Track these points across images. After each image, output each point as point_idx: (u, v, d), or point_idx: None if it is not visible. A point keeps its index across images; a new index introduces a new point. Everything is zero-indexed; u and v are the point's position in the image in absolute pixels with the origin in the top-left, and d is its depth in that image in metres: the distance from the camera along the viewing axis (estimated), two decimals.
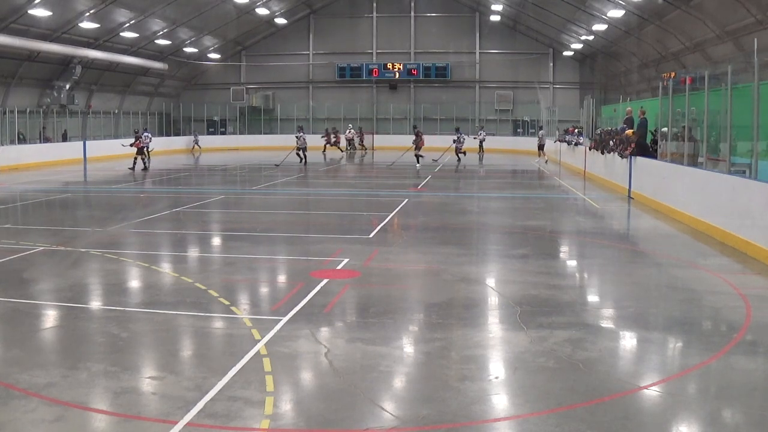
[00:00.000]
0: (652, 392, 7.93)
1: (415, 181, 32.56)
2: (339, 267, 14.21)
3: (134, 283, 13.98)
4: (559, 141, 45.83)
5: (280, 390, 7.89)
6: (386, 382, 8.31)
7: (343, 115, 63.80)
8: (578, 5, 45.68)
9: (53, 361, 9.21)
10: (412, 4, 63.37)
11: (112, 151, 47.87)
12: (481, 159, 47.50)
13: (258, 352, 9.04)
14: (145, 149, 40.97)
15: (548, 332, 9.85)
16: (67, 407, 7.53)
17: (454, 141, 44.53)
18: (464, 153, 45.51)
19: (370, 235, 17.92)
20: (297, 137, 45.69)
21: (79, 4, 43.69)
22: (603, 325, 10.53)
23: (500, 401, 7.78)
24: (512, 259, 15.36)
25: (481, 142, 50.40)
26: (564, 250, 17.52)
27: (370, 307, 11.40)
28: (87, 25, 46.32)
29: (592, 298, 12.68)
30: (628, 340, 9.96)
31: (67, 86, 50.93)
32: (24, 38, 42.45)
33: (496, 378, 8.48)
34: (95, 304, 12.34)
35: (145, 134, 42.68)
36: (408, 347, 9.57)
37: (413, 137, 44.54)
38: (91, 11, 44.77)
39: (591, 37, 52.25)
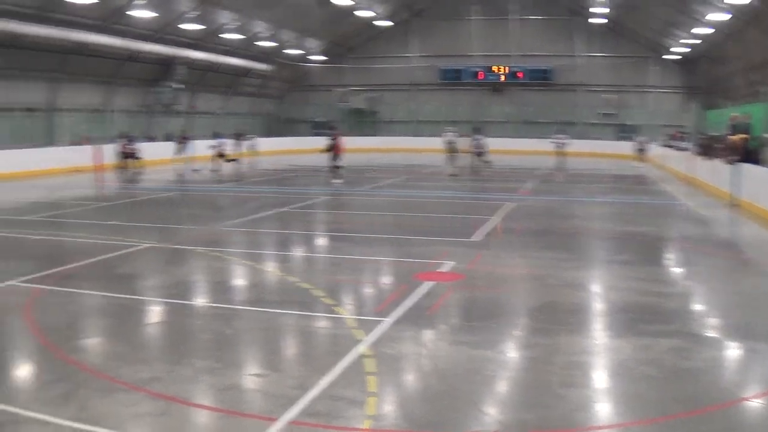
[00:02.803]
0: (756, 404, 7.77)
1: (520, 184, 32.39)
2: (443, 269, 14.17)
3: (239, 281, 14.22)
4: (663, 146, 45.10)
5: (383, 391, 7.94)
6: (489, 385, 8.28)
7: (445, 118, 63.45)
8: (680, 8, 45.02)
9: (158, 357, 9.42)
10: (514, 7, 62.66)
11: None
12: (562, 164, 46.42)
13: (361, 353, 9.09)
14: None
15: (652, 340, 9.70)
16: (170, 402, 7.69)
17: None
18: (482, 154, 40.89)
19: (475, 238, 17.85)
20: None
21: (182, 5, 44.58)
22: (707, 334, 10.30)
23: (603, 409, 7.72)
24: (616, 265, 15.16)
25: (560, 146, 49.14)
26: (668, 257, 17.17)
27: (473, 311, 11.38)
28: (190, 26, 47.11)
29: (697, 306, 12.38)
30: (733, 351, 9.71)
31: (171, 87, 51.79)
32: (126, 39, 43.44)
33: (599, 385, 8.43)
34: (200, 301, 12.59)
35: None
36: (512, 352, 9.52)
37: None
38: (195, 12, 45.56)
39: (694, 41, 51.28)
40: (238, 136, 48.49)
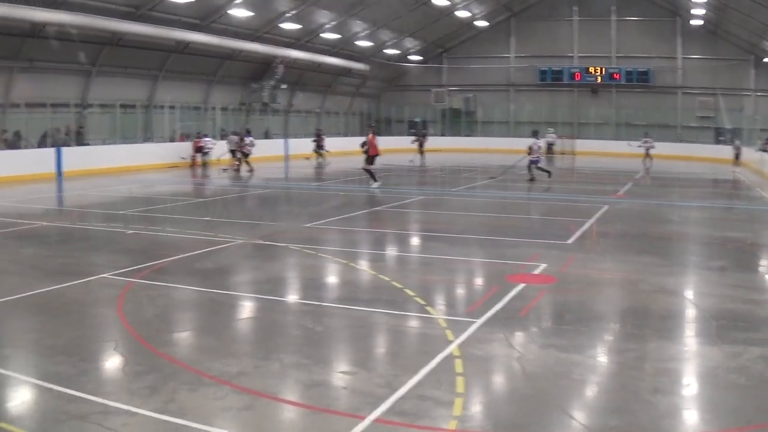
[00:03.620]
0: None
1: (615, 187, 32.04)
2: (535, 272, 14.01)
3: (331, 278, 14.23)
4: (762, 150, 44.21)
5: (471, 392, 7.85)
6: (577, 390, 8.15)
7: (545, 119, 63.10)
8: None
9: (246, 351, 9.44)
10: (613, 8, 61.85)
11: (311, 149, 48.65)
12: (648, 169, 45.57)
13: (450, 353, 9.00)
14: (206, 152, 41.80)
15: (742, 348, 9.40)
16: (256, 396, 7.72)
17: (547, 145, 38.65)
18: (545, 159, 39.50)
19: (568, 241, 17.60)
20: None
21: (280, 5, 44.88)
22: None
23: (690, 416, 7.55)
24: (710, 271, 14.76)
25: (647, 149, 48.22)
26: (764, 264, 16.72)
27: (565, 314, 11.21)
28: (288, 25, 47.55)
29: None
30: None
31: (270, 85, 52.24)
32: (225, 37, 43.94)
33: (687, 393, 8.21)
34: (291, 297, 12.66)
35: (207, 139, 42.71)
36: (601, 356, 9.36)
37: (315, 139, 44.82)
38: (293, 12, 45.89)
39: None
40: (318, 135, 48.92)
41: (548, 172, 34.45)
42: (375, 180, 29.85)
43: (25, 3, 31.21)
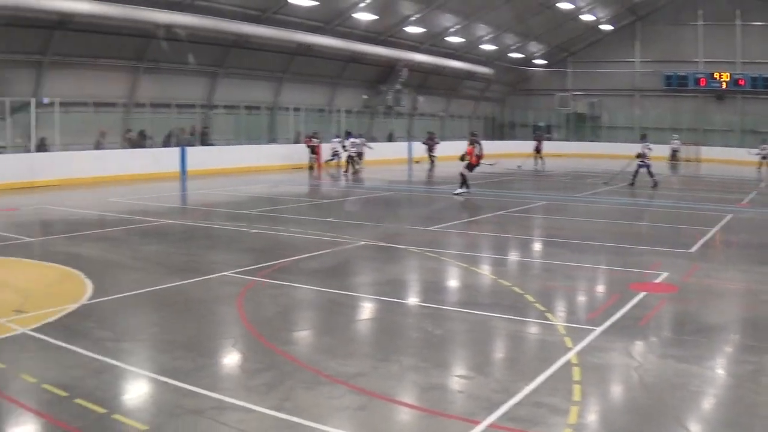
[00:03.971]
0: None
1: (739, 196, 31.35)
2: (657, 280, 13.68)
3: (452, 282, 14.19)
4: None
5: (587, 400, 7.68)
6: (694, 401, 7.91)
7: (670, 125, 62.08)
8: None
9: (365, 352, 9.44)
10: (738, 12, 60.56)
11: (438, 153, 48.63)
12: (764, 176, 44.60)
13: (569, 361, 8.85)
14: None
15: None
16: (372, 397, 7.69)
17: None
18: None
19: (691, 250, 17.22)
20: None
21: (405, 8, 45.04)
22: None
23: None
24: None
25: (764, 157, 47.13)
26: None
27: (685, 324, 10.88)
28: (413, 29, 47.76)
29: None
30: None
31: (395, 88, 52.44)
32: (349, 40, 44.42)
33: None
34: (411, 299, 12.59)
35: (351, 139, 41.20)
36: (719, 368, 9.05)
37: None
38: (417, 15, 46.01)
39: None
40: (430, 138, 49.01)
41: (654, 181, 33.29)
42: (463, 187, 29.29)
43: (152, 6, 31.87)
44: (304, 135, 44.47)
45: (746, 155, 48.27)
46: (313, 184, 35.40)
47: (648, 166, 33.25)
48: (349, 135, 41.32)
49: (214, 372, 8.57)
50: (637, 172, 33.63)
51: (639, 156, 33.10)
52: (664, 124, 61.81)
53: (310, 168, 42.00)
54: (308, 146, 42.07)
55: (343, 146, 40.93)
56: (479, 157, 29.49)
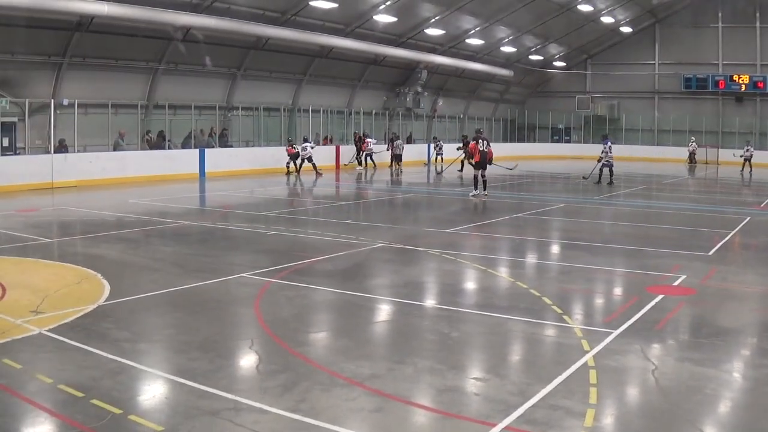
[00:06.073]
0: None
1: (758, 198, 31.22)
2: (675, 283, 13.60)
3: (469, 284, 14.16)
4: None
5: (603, 403, 7.65)
6: (710, 405, 7.85)
7: (689, 127, 62.03)
8: None
9: (381, 354, 9.42)
10: (758, 14, 60.23)
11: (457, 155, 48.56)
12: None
13: (585, 363, 8.81)
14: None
15: None
16: (387, 399, 7.69)
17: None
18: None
19: (710, 253, 17.08)
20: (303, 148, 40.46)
21: (424, 10, 45.02)
22: None
23: None
24: None
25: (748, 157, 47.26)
26: None
27: (702, 327, 10.80)
28: (432, 31, 47.78)
29: None
30: None
31: (415, 90, 52.48)
32: (369, 42, 44.44)
33: None
34: (428, 302, 12.54)
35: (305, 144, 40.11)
36: (736, 372, 8.98)
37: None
38: (437, 18, 46.00)
39: None
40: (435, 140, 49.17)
41: (611, 180, 35.49)
42: (478, 188, 29.09)
43: (172, 8, 31.95)
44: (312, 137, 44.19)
45: (733, 157, 48.62)
46: (330, 185, 35.41)
47: (611, 166, 35.71)
48: (305, 140, 40.52)
49: (231, 373, 8.56)
50: (601, 171, 35.84)
51: (600, 160, 35.52)
52: (683, 126, 61.69)
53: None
54: (289, 154, 41.26)
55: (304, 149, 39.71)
56: (486, 153, 29.30)
